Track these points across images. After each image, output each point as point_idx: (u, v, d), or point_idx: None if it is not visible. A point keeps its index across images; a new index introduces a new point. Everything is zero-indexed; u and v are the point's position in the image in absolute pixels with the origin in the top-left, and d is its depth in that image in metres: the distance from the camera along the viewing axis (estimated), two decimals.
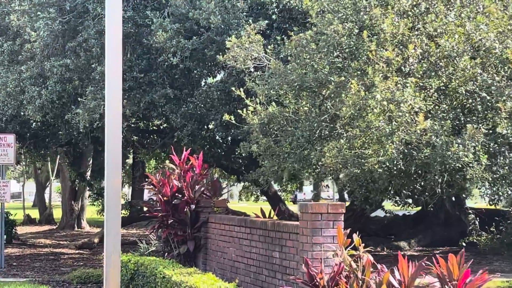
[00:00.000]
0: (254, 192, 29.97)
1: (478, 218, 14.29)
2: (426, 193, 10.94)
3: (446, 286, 6.03)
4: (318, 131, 10.14)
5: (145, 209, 13.12)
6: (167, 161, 15.61)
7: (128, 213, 18.88)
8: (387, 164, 8.95)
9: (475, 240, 13.18)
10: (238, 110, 11.38)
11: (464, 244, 13.12)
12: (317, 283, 6.56)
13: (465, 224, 17.56)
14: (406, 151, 9.08)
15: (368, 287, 6.36)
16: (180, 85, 14.24)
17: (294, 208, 30.80)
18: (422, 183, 9.98)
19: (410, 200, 11.92)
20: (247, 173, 22.79)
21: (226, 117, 11.50)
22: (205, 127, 14.79)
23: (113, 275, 4.43)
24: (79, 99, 13.41)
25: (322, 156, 9.80)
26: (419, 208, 16.90)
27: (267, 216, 11.20)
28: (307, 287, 6.63)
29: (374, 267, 6.63)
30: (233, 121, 11.56)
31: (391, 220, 21.00)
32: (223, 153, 18.90)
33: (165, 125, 19.18)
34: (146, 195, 31.01)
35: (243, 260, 9.43)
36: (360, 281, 6.37)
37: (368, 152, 8.95)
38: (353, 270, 6.45)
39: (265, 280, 8.67)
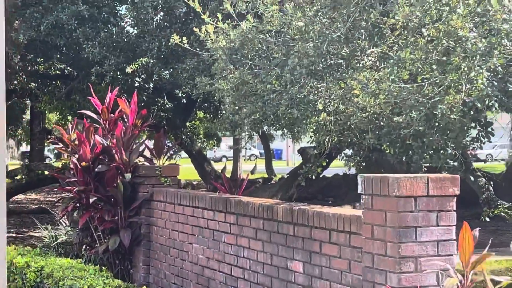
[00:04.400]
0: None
1: (491, 183, 11.04)
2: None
3: None
4: (334, 56, 6.36)
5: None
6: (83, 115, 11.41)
7: (24, 179, 14.55)
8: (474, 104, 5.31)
9: (501, 213, 9.98)
10: (194, 29, 7.38)
11: (487, 218, 9.80)
12: None
13: None
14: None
15: None
16: (99, 0, 9.97)
17: (218, 167, 27.18)
18: None
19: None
20: (170, 128, 19.03)
21: (174, 39, 7.48)
22: (135, 61, 10.67)
23: None
24: None
25: (346, 92, 6.07)
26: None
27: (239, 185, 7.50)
28: None
29: None
30: (185, 45, 7.55)
31: (330, 180, 19.01)
32: (142, 103, 14.98)
33: (70, 69, 14.89)
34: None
35: (223, 268, 5.62)
36: None
37: (446, 83, 5.24)
38: None
39: None
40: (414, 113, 5.37)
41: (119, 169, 7.15)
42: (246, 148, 46.39)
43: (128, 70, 11.55)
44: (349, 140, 7.82)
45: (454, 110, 5.32)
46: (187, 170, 31.37)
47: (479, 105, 5.24)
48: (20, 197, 19.73)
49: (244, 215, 5.34)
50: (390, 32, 6.42)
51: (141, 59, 10.71)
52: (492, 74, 5.40)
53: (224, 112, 7.89)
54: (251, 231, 5.24)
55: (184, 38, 7.56)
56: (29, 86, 17.11)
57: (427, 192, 3.76)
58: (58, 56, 13.36)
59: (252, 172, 32.58)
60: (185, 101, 18.73)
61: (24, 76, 15.88)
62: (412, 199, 3.74)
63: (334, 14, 6.78)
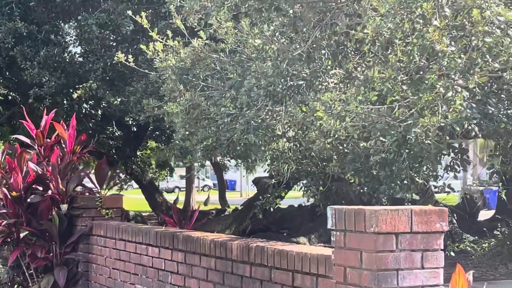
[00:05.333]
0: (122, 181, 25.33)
1: (455, 216, 10.55)
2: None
3: None
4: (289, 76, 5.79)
5: None
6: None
7: None
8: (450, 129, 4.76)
9: (467, 248, 9.47)
10: (141, 46, 6.71)
11: (452, 253, 9.27)
12: None
13: None
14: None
15: None
16: (39, 17, 9.22)
17: (170, 198, 26.38)
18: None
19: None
20: (119, 157, 18.22)
21: (119, 57, 6.82)
22: (77, 86, 9.90)
23: None
24: None
25: (308, 116, 5.49)
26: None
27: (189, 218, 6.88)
28: None
29: None
30: (131, 64, 6.88)
31: (285, 212, 18.35)
32: (90, 131, 14.34)
33: (13, 94, 14.05)
34: None
35: None
36: None
37: (419, 105, 4.68)
38: None
39: None
40: (385, 138, 4.78)
41: (55, 200, 6.39)
42: (199, 179, 45.67)
43: (75, 95, 10.81)
44: (309, 169, 7.24)
45: (430, 134, 4.76)
46: (138, 201, 30.47)
47: (457, 129, 4.69)
48: None
49: (193, 253, 4.65)
50: (355, 50, 5.88)
51: (88, 83, 10.01)
52: (470, 95, 4.86)
53: (174, 139, 7.24)
54: (201, 272, 4.56)
55: (130, 56, 6.92)
56: None
57: (411, 227, 3.15)
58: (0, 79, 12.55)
59: (205, 203, 31.85)
60: (135, 129, 18.01)
61: None
62: (393, 236, 3.13)
63: (293, 34, 6.22)
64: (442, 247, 3.23)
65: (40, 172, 6.48)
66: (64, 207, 6.29)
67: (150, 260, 5.20)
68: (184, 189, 37.21)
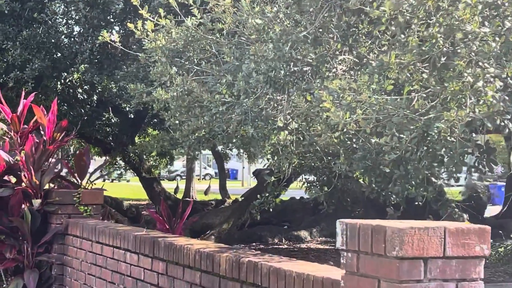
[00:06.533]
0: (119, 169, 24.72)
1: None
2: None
3: None
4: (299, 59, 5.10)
5: None
6: None
7: None
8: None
9: None
10: (129, 24, 6.01)
11: None
12: None
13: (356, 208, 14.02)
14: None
15: None
16: None
17: (171, 187, 25.76)
18: None
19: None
20: (116, 145, 17.55)
21: (104, 36, 6.13)
22: (69, 69, 9.17)
23: None
24: None
25: (313, 106, 4.81)
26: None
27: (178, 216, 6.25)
28: None
29: None
30: (117, 44, 6.18)
31: (286, 204, 17.77)
32: (85, 117, 13.67)
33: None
34: None
35: None
36: None
37: (442, 96, 3.99)
38: None
39: None
40: (403, 133, 4.08)
41: (27, 194, 5.70)
42: (200, 167, 45.08)
43: (66, 79, 10.14)
44: (312, 164, 6.55)
45: (456, 130, 4.05)
46: (136, 189, 29.82)
47: (489, 125, 3.98)
48: None
49: (176, 263, 3.96)
50: (368, 32, 5.18)
51: (79, 66, 9.32)
52: (504, 86, 4.15)
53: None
54: (184, 286, 3.87)
55: (117, 36, 6.23)
56: None
57: (443, 251, 2.46)
58: None
59: (206, 193, 31.25)
60: (132, 116, 17.35)
61: None
62: (421, 262, 2.43)
63: (298, 16, 5.51)
64: (482, 276, 2.54)
65: (11, 162, 5.79)
66: (37, 202, 5.60)
67: (128, 268, 4.52)
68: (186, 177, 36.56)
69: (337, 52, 5.32)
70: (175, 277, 3.98)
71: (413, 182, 5.04)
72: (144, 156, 21.75)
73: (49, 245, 5.68)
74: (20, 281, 5.50)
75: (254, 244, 15.33)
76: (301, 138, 5.61)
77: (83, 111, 13.63)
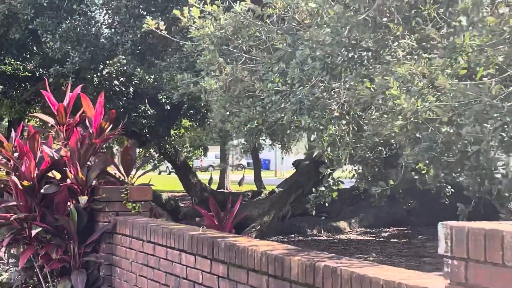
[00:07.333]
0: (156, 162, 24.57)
1: None
2: None
3: None
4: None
5: None
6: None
7: None
8: None
9: None
10: (175, 11, 5.71)
11: None
12: None
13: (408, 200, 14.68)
14: None
15: None
16: None
17: (204, 178, 25.56)
18: None
19: None
20: (152, 137, 17.37)
21: (149, 23, 5.86)
22: (107, 61, 8.91)
23: None
24: None
25: (377, 94, 4.46)
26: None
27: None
28: None
29: None
30: (163, 32, 5.90)
31: None
32: (121, 109, 13.54)
33: (41, 70, 13.23)
34: None
35: None
36: None
37: None
38: None
39: None
40: (487, 123, 3.71)
41: (73, 191, 5.45)
42: (236, 158, 44.89)
43: (104, 71, 9.92)
44: (362, 154, 6.20)
45: None
46: (172, 180, 29.69)
47: None
48: None
49: (239, 267, 3.66)
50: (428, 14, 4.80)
51: (117, 58, 9.08)
52: None
53: (211, 120, 6.28)
54: None
55: (162, 23, 5.94)
56: None
57: None
58: (28, 55, 11.70)
59: (240, 183, 31.06)
60: (168, 107, 17.15)
61: None
62: None
63: (348, 0, 5.15)
64: None
65: (56, 158, 5.53)
66: (84, 199, 5.34)
67: (184, 270, 4.23)
68: (218, 168, 36.36)
69: (398, 35, 4.97)
70: (238, 281, 3.67)
71: (486, 174, 4.68)
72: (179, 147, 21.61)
73: (97, 245, 5.43)
74: (68, 282, 5.25)
75: (292, 235, 15.06)
76: (356, 128, 5.29)
77: (121, 103, 13.47)
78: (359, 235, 15.03)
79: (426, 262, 10.44)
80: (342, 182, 6.51)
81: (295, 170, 16.79)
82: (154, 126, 17.08)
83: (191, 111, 18.74)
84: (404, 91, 4.18)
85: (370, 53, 5.03)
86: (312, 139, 5.86)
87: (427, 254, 11.36)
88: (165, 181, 31.78)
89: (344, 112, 5.17)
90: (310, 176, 15.42)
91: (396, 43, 5.03)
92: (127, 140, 20.31)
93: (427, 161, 4.95)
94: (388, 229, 15.72)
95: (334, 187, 5.51)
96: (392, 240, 14.06)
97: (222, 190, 28.31)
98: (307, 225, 16.08)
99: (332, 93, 5.19)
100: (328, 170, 5.71)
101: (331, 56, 4.94)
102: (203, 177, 26.75)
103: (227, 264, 3.78)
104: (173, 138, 19.97)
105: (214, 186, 26.93)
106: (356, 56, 5.05)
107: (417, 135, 4.78)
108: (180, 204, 18.17)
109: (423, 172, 6.27)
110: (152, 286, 4.66)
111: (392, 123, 4.51)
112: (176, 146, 19.72)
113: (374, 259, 11.01)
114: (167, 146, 18.31)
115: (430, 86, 4.10)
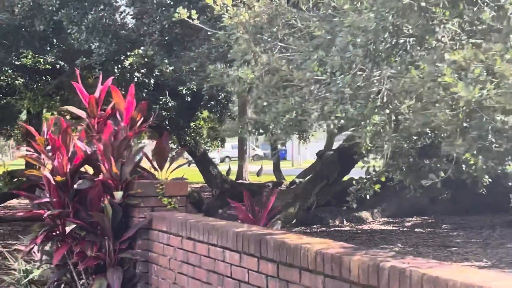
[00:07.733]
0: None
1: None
2: None
3: None
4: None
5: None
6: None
7: (6, 187, 12.43)
8: None
9: None
10: (207, 0, 5.50)
11: None
12: None
13: (433, 188, 13.13)
14: None
15: None
16: None
17: (222, 169, 25.46)
18: None
19: None
20: (173, 129, 17.22)
21: (181, 13, 5.64)
22: (129, 53, 8.74)
23: None
24: None
25: (426, 82, 4.27)
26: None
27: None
28: None
29: None
30: (195, 22, 5.69)
31: (345, 185, 17.45)
32: (142, 101, 13.29)
33: (61, 62, 13.10)
34: None
35: None
36: None
37: None
38: None
39: None
40: None
41: (107, 186, 5.28)
42: (252, 149, 44.76)
43: (126, 62, 9.76)
44: (399, 144, 5.99)
45: None
46: (190, 172, 29.58)
47: None
48: (13, 201, 17.65)
49: (290, 266, 3.47)
50: None
51: (139, 50, 8.91)
52: None
53: (229, 111, 6.08)
54: None
55: (194, 11, 5.75)
56: (16, 81, 15.39)
57: None
58: (48, 47, 11.55)
59: (258, 174, 30.90)
60: (189, 99, 16.98)
61: (10, 71, 14.16)
62: None
63: None
64: None
65: (89, 152, 5.37)
66: (119, 194, 5.17)
67: (229, 268, 4.05)
68: (235, 158, 36.24)
69: (444, 20, 4.75)
70: (289, 281, 3.49)
71: None
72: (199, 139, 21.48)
73: (132, 241, 5.26)
74: (104, 280, 5.09)
75: (315, 226, 14.88)
76: (396, 118, 5.09)
77: (143, 95, 13.34)
78: (382, 225, 14.91)
79: (453, 252, 10.24)
80: (385, 174, 6.30)
81: (319, 160, 16.57)
82: (174, 118, 16.95)
83: (212, 102, 18.58)
84: (457, 78, 3.98)
85: (413, 39, 4.83)
86: (352, 129, 5.66)
87: (453, 244, 11.15)
88: (183, 174, 31.71)
89: (387, 101, 4.97)
90: (335, 167, 15.22)
91: (440, 28, 4.82)
92: (146, 133, 20.21)
93: (474, 152, 4.74)
94: (411, 219, 15.54)
95: (375, 178, 5.32)
96: (416, 229, 13.85)
97: (241, 181, 28.15)
98: (329, 216, 15.90)
99: (374, 81, 4.99)
100: (371, 161, 5.51)
101: (374, 43, 4.73)
102: (221, 168, 26.60)
103: (276, 262, 3.60)
104: (193, 129, 19.86)
105: (232, 177, 26.79)
106: (399, 43, 4.84)
107: (464, 124, 4.58)
108: (203, 198, 18.05)
109: (470, 162, 6.06)
110: (193, 284, 4.49)
111: (444, 112, 4.30)
112: (196, 138, 19.60)
113: (399, 249, 10.82)
114: (187, 138, 18.19)
115: (486, 73, 3.90)
